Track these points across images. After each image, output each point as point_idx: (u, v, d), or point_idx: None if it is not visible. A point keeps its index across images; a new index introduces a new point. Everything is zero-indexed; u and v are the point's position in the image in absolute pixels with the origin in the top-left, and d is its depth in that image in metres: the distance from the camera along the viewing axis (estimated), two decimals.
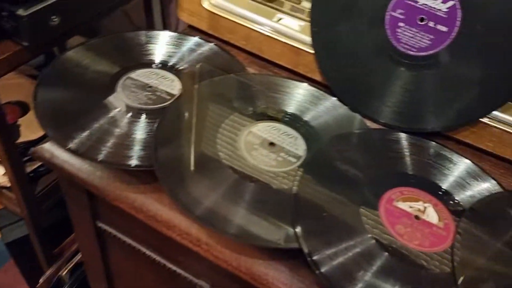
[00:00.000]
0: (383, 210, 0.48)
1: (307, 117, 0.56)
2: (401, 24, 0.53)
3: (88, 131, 0.50)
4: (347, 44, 0.56)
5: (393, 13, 0.52)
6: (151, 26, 1.10)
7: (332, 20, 0.56)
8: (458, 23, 0.50)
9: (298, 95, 0.59)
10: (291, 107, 0.57)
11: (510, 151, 0.55)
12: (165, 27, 1.15)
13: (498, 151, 0.55)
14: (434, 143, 0.56)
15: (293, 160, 0.51)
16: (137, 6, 1.06)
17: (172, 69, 0.60)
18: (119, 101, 0.54)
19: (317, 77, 0.61)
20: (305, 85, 0.59)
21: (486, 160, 0.56)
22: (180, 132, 0.51)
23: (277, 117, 0.55)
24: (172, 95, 0.56)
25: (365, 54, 0.55)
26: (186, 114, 0.53)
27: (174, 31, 0.65)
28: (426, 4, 0.51)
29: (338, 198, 0.47)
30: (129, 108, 0.53)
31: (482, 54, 0.50)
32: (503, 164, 0.56)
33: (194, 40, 0.64)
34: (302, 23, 0.61)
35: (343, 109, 0.58)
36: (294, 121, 0.55)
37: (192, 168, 0.47)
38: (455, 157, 0.55)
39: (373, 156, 0.53)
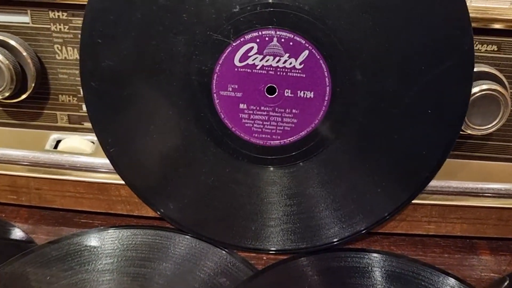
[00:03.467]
0: None
1: None
2: (242, 106, 0.32)
3: None
4: (176, 157, 0.34)
5: (224, 93, 0.32)
6: None
7: (132, 127, 0.33)
8: (327, 80, 0.30)
9: (112, 257, 0.35)
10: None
11: (459, 226, 0.37)
12: None
13: (443, 231, 0.37)
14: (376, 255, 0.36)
15: None
16: None
17: None
18: None
19: (150, 212, 0.38)
20: (112, 232, 0.36)
21: (431, 245, 0.38)
22: None
23: None
24: None
25: (207, 164, 0.34)
26: None
27: None
28: (269, 66, 0.30)
29: None
30: None
31: (379, 116, 0.31)
32: (454, 242, 0.38)
33: None
34: (95, 137, 0.37)
35: (210, 253, 0.36)
36: None
37: None
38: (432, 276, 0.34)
39: None
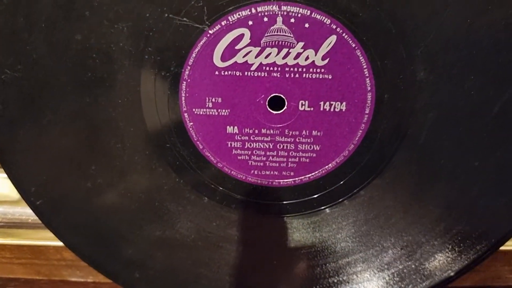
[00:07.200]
0: None
1: None
2: (231, 129, 0.20)
3: None
4: (134, 209, 0.22)
5: (200, 111, 0.20)
6: None
7: (64, 169, 0.22)
8: (368, 82, 0.19)
9: None
10: None
11: None
12: None
13: None
14: None
15: None
16: None
17: None
18: None
19: (101, 278, 0.26)
20: None
21: None
22: None
23: None
24: None
25: (182, 217, 0.22)
26: None
27: None
28: (272, 65, 0.19)
29: None
30: None
31: (452, 134, 0.20)
32: None
33: None
34: None
35: None
36: None
37: None
38: None
39: None
